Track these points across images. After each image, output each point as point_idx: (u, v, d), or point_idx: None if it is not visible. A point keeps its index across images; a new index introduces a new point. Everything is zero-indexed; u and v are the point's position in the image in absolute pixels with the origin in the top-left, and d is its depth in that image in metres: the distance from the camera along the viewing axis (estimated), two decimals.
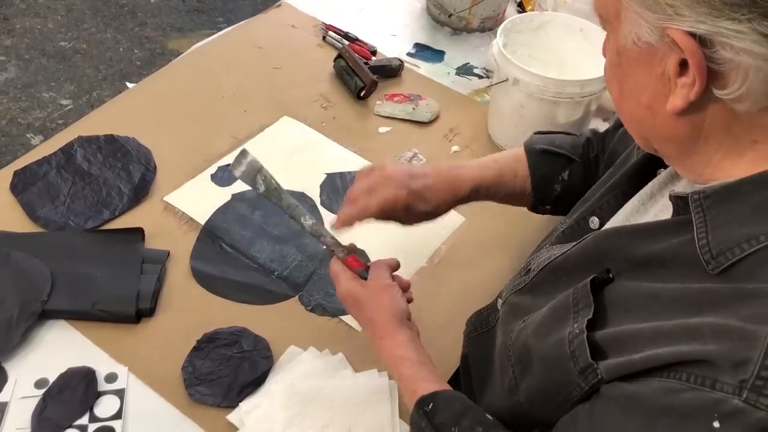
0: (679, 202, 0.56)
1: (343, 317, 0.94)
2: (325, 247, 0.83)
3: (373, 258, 0.83)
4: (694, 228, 0.53)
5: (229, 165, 1.12)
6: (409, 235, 1.06)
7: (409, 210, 0.85)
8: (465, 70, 1.39)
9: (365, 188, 0.84)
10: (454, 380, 0.88)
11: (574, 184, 0.90)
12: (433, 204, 0.87)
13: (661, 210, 0.63)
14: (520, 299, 0.73)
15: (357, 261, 0.82)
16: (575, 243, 0.67)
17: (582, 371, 0.55)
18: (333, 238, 0.83)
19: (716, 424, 0.44)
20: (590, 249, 0.64)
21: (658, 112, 0.54)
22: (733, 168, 0.53)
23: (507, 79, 1.13)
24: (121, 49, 2.63)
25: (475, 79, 1.37)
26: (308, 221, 0.82)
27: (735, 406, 0.44)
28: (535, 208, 0.94)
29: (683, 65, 0.49)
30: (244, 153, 0.82)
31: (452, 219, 1.09)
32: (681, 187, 0.61)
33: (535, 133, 0.96)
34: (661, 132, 0.56)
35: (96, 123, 1.16)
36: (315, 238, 0.83)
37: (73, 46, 2.62)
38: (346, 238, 0.84)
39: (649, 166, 0.68)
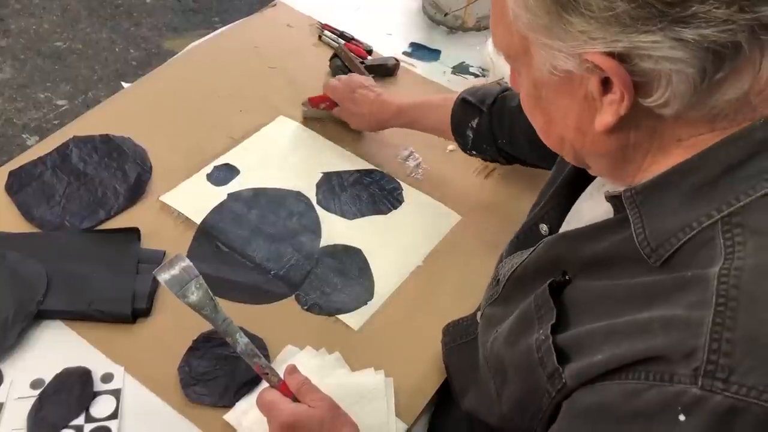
0: (615, 201, 0.57)
1: (340, 316, 0.94)
2: (257, 371, 0.75)
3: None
4: (631, 224, 0.54)
5: (226, 165, 1.13)
6: (404, 233, 1.06)
7: (345, 103, 1.15)
8: (461, 69, 1.39)
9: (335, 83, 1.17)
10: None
11: (482, 132, 1.00)
12: (362, 111, 1.13)
13: (602, 210, 0.63)
14: (493, 311, 0.73)
15: (289, 388, 0.75)
16: (530, 251, 0.68)
17: (550, 376, 0.56)
18: (267, 361, 0.76)
19: (681, 417, 0.45)
20: (542, 256, 0.66)
21: (587, 132, 0.55)
22: (660, 167, 0.54)
23: (503, 78, 1.13)
24: (116, 49, 2.63)
25: (471, 78, 1.37)
26: (242, 339, 0.74)
27: (694, 395, 0.44)
28: (464, 150, 1.06)
29: (605, 83, 0.50)
30: (178, 257, 0.75)
31: (448, 217, 1.10)
32: (619, 186, 0.62)
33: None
34: (591, 150, 0.57)
35: (91, 123, 1.16)
36: (246, 359, 0.74)
37: (69, 47, 2.61)
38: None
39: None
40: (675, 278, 0.50)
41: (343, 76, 1.18)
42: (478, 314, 0.81)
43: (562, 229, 0.70)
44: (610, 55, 0.47)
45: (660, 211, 0.53)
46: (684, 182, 0.52)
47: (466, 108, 1.01)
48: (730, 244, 0.48)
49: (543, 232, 0.73)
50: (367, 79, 1.18)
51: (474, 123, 1.00)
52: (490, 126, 0.99)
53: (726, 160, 0.50)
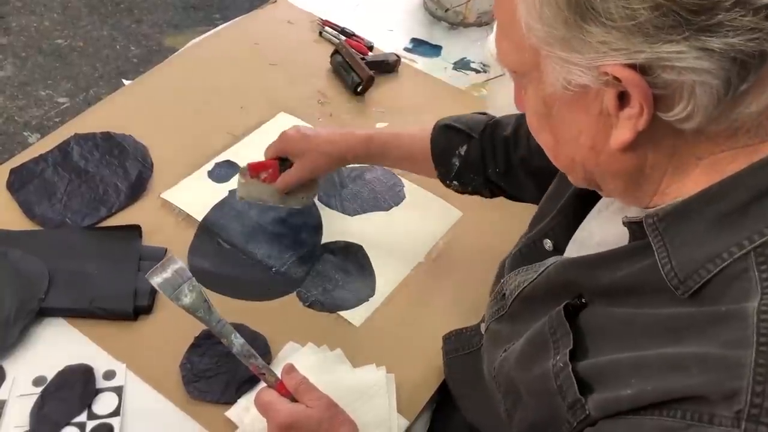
0: (634, 227, 0.55)
1: (341, 313, 0.94)
2: (253, 371, 0.75)
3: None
4: (655, 253, 0.52)
5: (227, 161, 1.13)
6: (406, 230, 1.06)
7: (299, 151, 0.98)
8: (462, 65, 1.39)
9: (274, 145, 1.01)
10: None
11: (471, 160, 0.92)
12: (321, 140, 0.97)
13: (614, 231, 0.62)
14: (499, 327, 0.71)
15: (287, 387, 0.75)
16: (538, 272, 0.66)
17: (570, 406, 0.54)
18: (263, 361, 0.75)
19: None
20: (554, 278, 0.64)
21: (601, 151, 0.52)
22: (681, 189, 0.52)
23: (504, 74, 1.13)
24: (117, 47, 2.63)
25: (472, 73, 1.37)
26: (238, 340, 0.74)
27: None
28: (443, 182, 0.96)
29: (621, 98, 0.48)
30: (170, 259, 0.74)
31: (449, 214, 1.09)
32: (632, 211, 0.60)
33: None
34: (606, 169, 0.54)
35: (92, 120, 1.16)
36: (242, 360, 0.74)
37: (70, 44, 2.61)
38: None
39: None
40: (707, 313, 0.48)
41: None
42: (482, 326, 0.80)
43: (570, 248, 0.68)
44: (631, 67, 0.45)
45: (685, 240, 0.50)
46: (709, 209, 0.50)
47: (451, 135, 0.93)
48: (766, 277, 0.46)
49: (547, 248, 0.71)
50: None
51: (462, 150, 0.92)
52: (481, 154, 0.91)
53: (755, 186, 0.48)
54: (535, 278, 0.66)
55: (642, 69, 0.45)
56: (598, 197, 0.66)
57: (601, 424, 0.52)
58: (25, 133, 2.25)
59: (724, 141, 0.49)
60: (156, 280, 0.72)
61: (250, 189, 1.01)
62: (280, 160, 1.00)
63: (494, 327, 0.73)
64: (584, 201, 0.68)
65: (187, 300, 0.73)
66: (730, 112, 0.47)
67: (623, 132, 0.49)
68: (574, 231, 0.69)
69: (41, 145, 1.11)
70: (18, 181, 1.04)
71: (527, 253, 0.73)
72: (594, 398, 0.52)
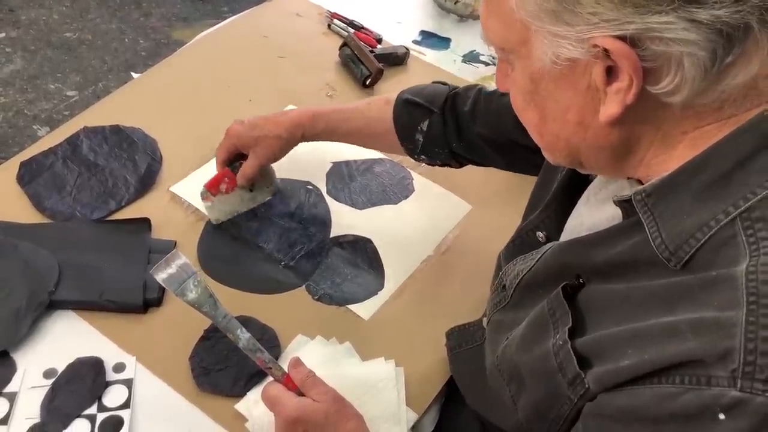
0: (624, 205, 0.56)
1: (350, 306, 0.94)
2: (260, 365, 0.75)
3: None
4: (646, 228, 0.52)
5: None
6: (415, 223, 1.06)
7: (250, 141, 0.99)
8: (471, 58, 1.38)
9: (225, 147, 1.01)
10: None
11: (433, 135, 0.92)
12: (271, 128, 0.98)
13: (603, 215, 0.62)
14: (502, 317, 0.72)
15: (293, 381, 0.75)
16: (536, 259, 0.67)
17: (571, 382, 0.55)
18: (270, 355, 0.75)
19: (722, 416, 0.44)
20: (551, 262, 0.64)
21: (588, 126, 0.53)
22: (666, 162, 0.53)
23: None
24: (126, 40, 2.63)
25: (481, 66, 1.36)
26: (244, 335, 0.74)
27: (733, 397, 0.43)
28: (411, 156, 0.96)
29: (609, 72, 0.49)
30: (175, 255, 0.74)
31: (458, 207, 1.09)
32: (617, 189, 0.61)
33: (432, 82, 0.98)
34: (592, 144, 0.55)
35: (101, 113, 1.16)
36: (249, 354, 0.74)
37: (79, 37, 2.61)
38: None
39: (581, 173, 0.68)
40: (699, 279, 0.49)
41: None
42: (485, 320, 0.80)
43: (564, 237, 0.69)
44: (621, 38, 0.46)
45: (674, 213, 0.51)
46: (694, 180, 0.51)
47: (411, 110, 0.92)
48: (753, 240, 0.47)
49: (540, 239, 0.71)
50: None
51: (423, 125, 0.91)
52: (443, 128, 0.90)
53: (735, 155, 0.49)
54: (533, 265, 0.67)
55: (631, 41, 0.46)
56: (585, 187, 0.67)
57: (600, 397, 0.52)
58: (34, 127, 2.26)
59: (710, 114, 0.50)
60: (161, 276, 0.73)
61: (219, 207, 1.02)
62: (229, 166, 1.01)
63: (496, 318, 0.73)
64: (571, 191, 0.69)
65: (192, 295, 0.73)
66: (716, 84, 0.48)
67: (611, 106, 0.50)
68: (565, 221, 0.69)
69: (51, 139, 1.11)
70: (28, 174, 1.05)
71: (521, 244, 0.74)
72: (593, 372, 0.53)
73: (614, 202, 0.57)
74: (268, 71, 1.29)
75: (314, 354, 0.87)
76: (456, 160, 0.94)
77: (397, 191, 1.11)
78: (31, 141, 1.63)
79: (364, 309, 0.94)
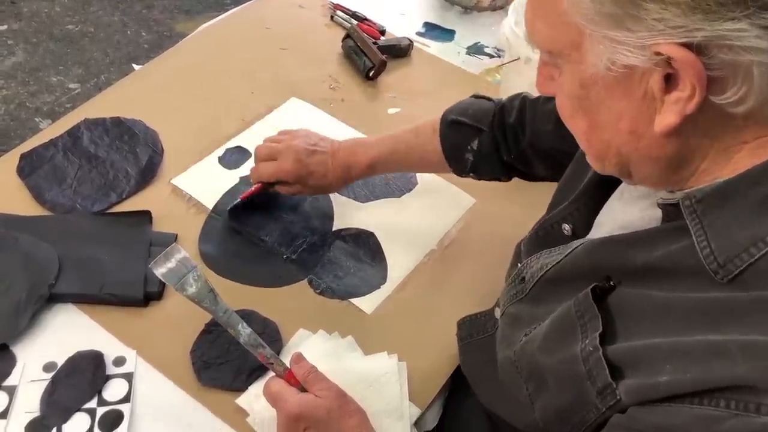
0: (669, 209, 0.54)
1: (353, 300, 0.93)
2: (261, 361, 0.74)
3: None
4: (693, 236, 0.50)
5: (238, 147, 1.11)
6: (418, 217, 1.05)
7: (302, 181, 0.96)
8: (476, 50, 1.37)
9: (269, 153, 0.97)
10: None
11: (485, 153, 0.90)
12: (327, 182, 0.97)
13: (639, 213, 0.60)
14: (519, 309, 0.70)
15: (295, 377, 0.74)
16: (564, 254, 0.64)
17: (600, 391, 0.52)
18: (271, 351, 0.74)
19: None
20: (582, 260, 0.62)
21: (642, 136, 0.50)
22: (720, 171, 0.50)
23: (519, 58, 1.11)
24: (128, 32, 2.62)
25: (486, 58, 1.35)
26: (245, 330, 0.73)
27: None
28: (459, 174, 0.95)
29: (667, 79, 0.46)
30: (174, 249, 0.73)
31: (462, 200, 1.08)
32: (662, 192, 0.58)
33: (471, 96, 0.96)
34: (645, 155, 0.52)
35: (102, 105, 1.15)
36: (250, 350, 0.73)
37: (81, 30, 2.60)
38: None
39: None
40: (752, 298, 0.46)
41: (273, 145, 0.98)
42: (497, 311, 0.78)
43: (595, 233, 0.66)
44: (687, 46, 0.43)
45: (726, 223, 0.49)
46: (753, 191, 0.48)
47: (459, 130, 0.91)
48: None
49: (565, 232, 0.69)
50: (307, 134, 1.00)
51: (473, 145, 0.90)
52: (494, 145, 0.89)
53: None
54: (561, 260, 0.64)
55: (698, 49, 0.43)
56: (618, 182, 0.65)
57: (633, 410, 0.50)
58: (36, 119, 2.26)
59: None
60: (160, 271, 0.72)
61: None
62: (263, 184, 0.99)
63: (512, 310, 0.71)
64: (604, 186, 0.66)
65: (192, 290, 0.72)
66: None
67: (668, 116, 0.47)
68: (594, 216, 0.67)
69: (51, 131, 1.10)
70: (28, 166, 1.04)
71: (544, 236, 0.71)
72: (626, 384, 0.51)
73: (658, 205, 0.55)
74: (271, 63, 1.28)
75: (316, 348, 0.87)
76: (506, 174, 0.93)
77: (400, 184, 1.09)
78: (33, 134, 1.62)
79: (367, 303, 0.93)
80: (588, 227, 0.67)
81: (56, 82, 2.39)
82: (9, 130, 2.20)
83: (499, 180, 0.94)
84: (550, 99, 0.85)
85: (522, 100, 0.89)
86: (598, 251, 0.60)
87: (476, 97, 0.95)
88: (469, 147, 0.90)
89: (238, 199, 1.00)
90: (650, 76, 0.46)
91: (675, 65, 0.45)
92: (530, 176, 0.93)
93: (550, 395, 0.60)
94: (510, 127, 0.88)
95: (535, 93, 0.96)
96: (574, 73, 0.51)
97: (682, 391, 0.46)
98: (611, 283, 0.56)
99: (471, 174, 0.94)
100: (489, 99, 0.93)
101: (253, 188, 0.99)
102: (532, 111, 0.87)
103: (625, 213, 0.62)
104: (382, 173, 1.01)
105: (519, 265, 0.73)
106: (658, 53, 0.44)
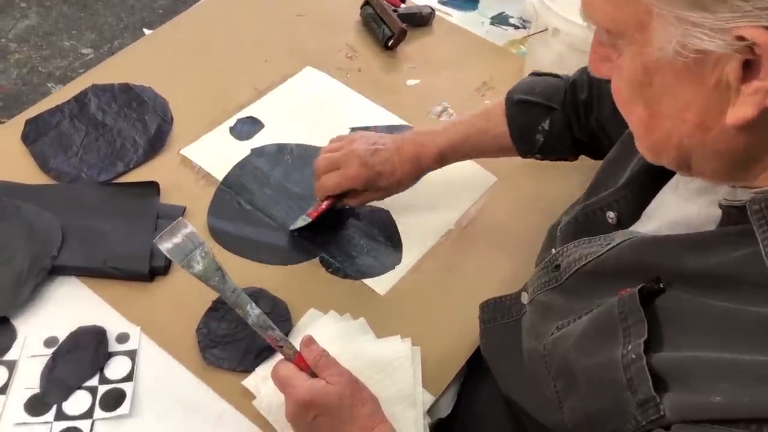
0: (732, 211, 0.49)
1: (366, 280, 0.90)
2: (270, 343, 0.71)
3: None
4: (760, 244, 0.45)
5: (250, 117, 1.07)
6: (436, 195, 1.01)
7: (371, 186, 0.89)
8: (500, 20, 1.31)
9: (329, 164, 0.89)
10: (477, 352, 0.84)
11: (556, 132, 0.86)
12: (396, 179, 0.90)
13: (696, 209, 0.56)
14: (550, 299, 0.66)
15: (305, 361, 0.71)
16: (608, 247, 0.60)
17: (642, 404, 0.49)
18: (281, 333, 0.71)
19: None
20: (628, 256, 0.57)
21: (710, 128, 0.46)
22: None
23: (546, 29, 1.05)
24: None
25: (510, 29, 1.30)
26: (254, 311, 0.70)
27: None
28: (523, 156, 0.91)
29: (746, 67, 0.41)
30: (180, 223, 0.69)
31: (483, 179, 1.03)
32: (722, 190, 0.53)
33: (531, 75, 0.90)
34: (711, 148, 0.47)
35: (111, 71, 1.12)
36: (259, 331, 0.70)
37: None
38: None
39: None
40: None
41: (333, 155, 0.89)
42: (524, 295, 0.75)
43: (641, 224, 0.62)
44: None
45: None
46: None
47: (529, 110, 0.86)
48: None
49: (609, 220, 0.64)
50: (364, 136, 0.92)
51: (545, 125, 0.85)
52: (566, 124, 0.85)
53: None
54: (603, 253, 0.60)
55: None
56: (673, 171, 0.60)
57: (678, 428, 0.46)
58: (48, 84, 2.22)
59: None
60: (165, 246, 0.68)
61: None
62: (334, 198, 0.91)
63: (543, 299, 0.67)
64: (656, 174, 0.61)
65: (198, 267, 0.68)
66: None
67: (744, 108, 0.42)
68: (643, 206, 0.62)
69: (58, 96, 1.06)
70: (33, 133, 1.00)
71: (585, 222, 0.67)
72: (671, 398, 0.47)
73: (721, 206, 0.50)
74: (286, 30, 1.23)
75: (327, 329, 0.83)
76: (574, 152, 0.89)
77: None
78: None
79: (380, 284, 0.90)
80: (635, 217, 0.63)
81: (69, 46, 2.36)
82: (21, 95, 2.17)
83: (566, 159, 0.90)
84: None
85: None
86: (648, 249, 0.55)
87: (537, 74, 0.90)
88: (540, 127, 0.86)
89: (307, 218, 0.92)
90: (726, 62, 0.42)
91: (758, 51, 0.40)
92: (599, 154, 0.87)
93: (581, 398, 0.57)
94: (581, 103, 0.84)
95: (556, 68, 0.90)
96: (636, 57, 0.46)
97: (737, 416, 0.42)
98: (660, 285, 0.52)
99: (536, 155, 0.89)
100: (555, 75, 0.88)
101: (323, 205, 0.90)
102: (598, 88, 0.83)
103: (681, 208, 0.57)
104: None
105: (553, 250, 0.68)
106: (740, 38, 0.40)
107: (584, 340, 0.57)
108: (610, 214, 0.64)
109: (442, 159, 0.91)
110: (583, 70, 0.86)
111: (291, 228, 0.93)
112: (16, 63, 2.28)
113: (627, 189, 0.64)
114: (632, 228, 0.63)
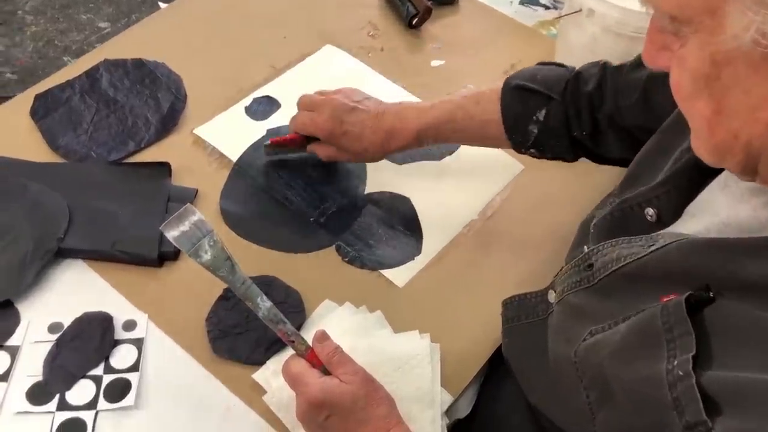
0: None
1: (383, 271, 0.86)
2: (281, 338, 0.67)
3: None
4: None
5: (266, 97, 1.04)
6: (459, 182, 0.96)
7: (335, 141, 0.87)
8: (530, 0, 1.25)
9: (309, 103, 0.89)
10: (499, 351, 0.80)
11: (552, 125, 0.80)
12: (361, 146, 0.87)
13: (750, 209, 0.51)
14: (582, 300, 0.62)
15: (318, 357, 0.67)
16: (650, 248, 0.55)
17: (690, 427, 0.44)
18: (293, 327, 0.68)
19: None
20: (675, 260, 0.53)
21: None
22: None
23: (580, 10, 1.00)
24: None
25: (540, 9, 1.24)
26: (264, 303, 0.66)
27: None
28: (518, 150, 0.85)
29: None
30: (188, 210, 0.65)
31: (509, 166, 0.99)
32: None
33: (537, 64, 0.85)
34: None
35: (124, 46, 1.08)
36: (270, 325, 0.67)
37: None
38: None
39: None
40: None
41: (315, 96, 0.90)
42: (551, 293, 0.71)
43: (684, 224, 0.58)
44: None
45: None
46: None
47: (525, 98, 0.81)
48: None
49: (648, 217, 0.60)
50: (353, 91, 0.90)
51: (540, 115, 0.80)
52: (564, 117, 0.79)
53: None
54: (645, 255, 0.55)
55: None
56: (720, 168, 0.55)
57: None
58: (65, 58, 2.19)
59: None
60: (172, 234, 0.64)
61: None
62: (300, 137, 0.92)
63: (574, 300, 0.63)
64: (702, 169, 0.56)
65: (206, 257, 0.65)
66: None
67: None
68: (686, 203, 0.58)
69: (69, 70, 1.03)
70: (42, 108, 0.97)
71: (621, 218, 0.62)
72: (725, 423, 0.42)
73: None
74: (305, 6, 1.18)
75: (341, 322, 0.80)
76: (573, 151, 0.83)
77: (441, 145, 1.00)
78: None
79: (399, 275, 0.86)
80: (677, 215, 0.58)
81: (86, 20, 2.32)
82: (36, 69, 2.15)
83: (564, 160, 0.84)
84: (637, 67, 0.74)
85: (602, 67, 0.79)
86: (698, 254, 0.51)
87: (543, 64, 0.84)
88: (534, 117, 0.80)
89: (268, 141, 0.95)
90: None
91: None
92: (600, 158, 0.82)
93: (617, 412, 0.52)
94: (586, 96, 0.78)
95: (589, 56, 0.85)
96: (705, 46, 0.42)
97: None
98: (710, 293, 0.48)
99: (532, 150, 0.83)
100: (560, 65, 0.83)
101: (287, 135, 0.93)
102: (614, 81, 0.77)
103: (731, 208, 0.53)
104: (431, 145, 0.89)
105: (586, 248, 0.64)
106: None
107: (623, 350, 0.53)
108: (650, 211, 0.60)
109: (419, 140, 0.87)
110: (593, 64, 0.80)
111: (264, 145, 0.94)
112: (33, 36, 2.25)
113: (669, 184, 0.59)
114: (673, 227, 0.59)
